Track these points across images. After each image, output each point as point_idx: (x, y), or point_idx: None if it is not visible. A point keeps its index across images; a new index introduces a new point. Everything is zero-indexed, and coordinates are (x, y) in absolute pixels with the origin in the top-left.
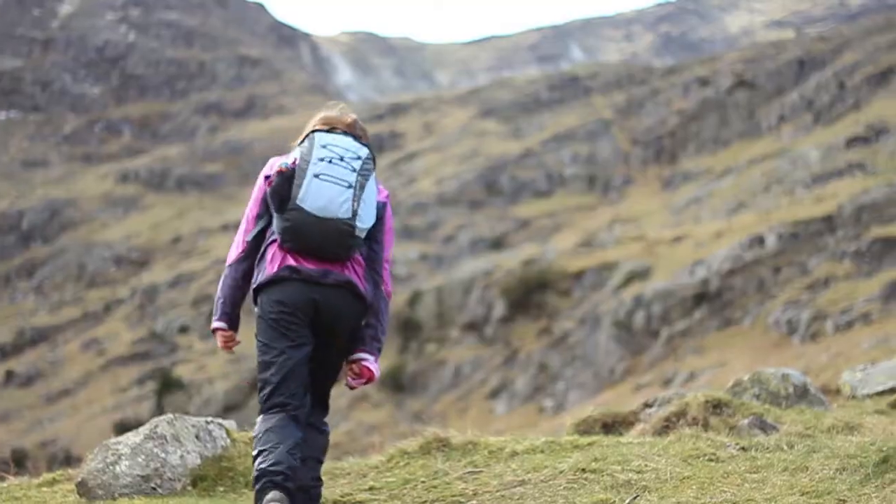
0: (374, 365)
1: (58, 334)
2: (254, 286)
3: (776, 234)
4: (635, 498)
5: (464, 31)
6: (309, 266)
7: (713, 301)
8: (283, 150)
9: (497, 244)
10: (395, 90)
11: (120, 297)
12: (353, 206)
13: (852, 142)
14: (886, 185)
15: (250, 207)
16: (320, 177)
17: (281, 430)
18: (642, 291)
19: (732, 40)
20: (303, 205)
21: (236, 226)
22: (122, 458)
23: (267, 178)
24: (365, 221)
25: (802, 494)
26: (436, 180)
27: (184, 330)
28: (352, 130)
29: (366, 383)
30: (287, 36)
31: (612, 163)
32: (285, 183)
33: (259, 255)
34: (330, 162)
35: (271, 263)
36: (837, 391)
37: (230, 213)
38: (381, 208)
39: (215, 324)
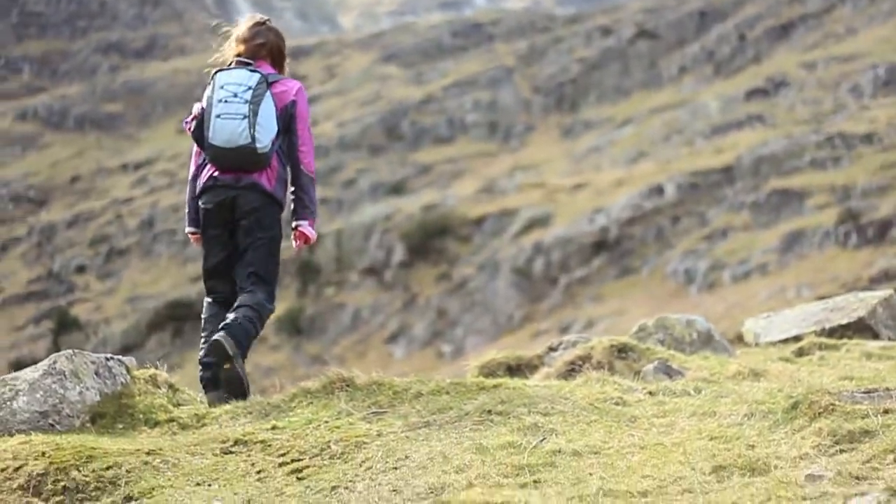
0: (308, 228)
1: None
2: (196, 195)
3: (675, 183)
4: (542, 440)
5: None
6: (225, 176)
7: (612, 249)
8: (183, 91)
9: (397, 189)
10: (297, 33)
11: (17, 236)
12: (250, 132)
13: (752, 94)
14: (785, 138)
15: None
16: (221, 116)
17: (213, 319)
18: (542, 238)
19: None
20: (213, 142)
21: (136, 166)
22: (20, 393)
23: (186, 122)
24: (264, 139)
25: (711, 439)
26: (337, 124)
27: (81, 269)
28: (248, 53)
29: (305, 243)
30: None
31: (513, 110)
32: (198, 128)
33: (197, 173)
34: (226, 102)
35: (202, 177)
36: (739, 339)
37: (130, 153)
38: (290, 107)
39: (187, 229)
